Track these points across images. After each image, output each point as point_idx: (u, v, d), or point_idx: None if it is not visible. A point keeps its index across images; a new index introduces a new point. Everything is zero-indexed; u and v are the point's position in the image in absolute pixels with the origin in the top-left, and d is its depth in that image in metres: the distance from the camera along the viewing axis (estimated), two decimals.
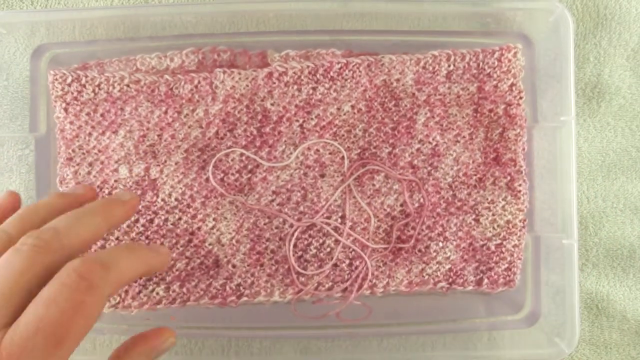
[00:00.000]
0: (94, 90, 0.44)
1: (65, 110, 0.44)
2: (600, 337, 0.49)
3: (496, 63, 0.45)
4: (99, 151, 0.45)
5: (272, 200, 0.45)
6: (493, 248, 0.45)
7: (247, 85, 0.45)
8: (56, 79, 0.44)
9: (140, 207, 0.44)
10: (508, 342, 0.45)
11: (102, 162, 0.45)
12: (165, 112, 0.45)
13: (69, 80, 0.44)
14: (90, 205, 0.35)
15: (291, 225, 0.45)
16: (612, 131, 0.49)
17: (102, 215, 0.34)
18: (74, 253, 0.31)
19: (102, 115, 0.44)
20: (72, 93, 0.44)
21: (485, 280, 0.45)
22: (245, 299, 0.45)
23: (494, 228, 0.45)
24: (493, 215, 0.45)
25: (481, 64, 0.45)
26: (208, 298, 0.45)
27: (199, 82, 0.44)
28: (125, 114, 0.44)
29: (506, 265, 0.45)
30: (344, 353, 0.45)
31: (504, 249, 0.45)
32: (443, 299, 0.46)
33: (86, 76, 0.44)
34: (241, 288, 0.45)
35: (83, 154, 0.45)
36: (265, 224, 0.45)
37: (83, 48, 0.46)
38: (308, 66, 0.45)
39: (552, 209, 0.44)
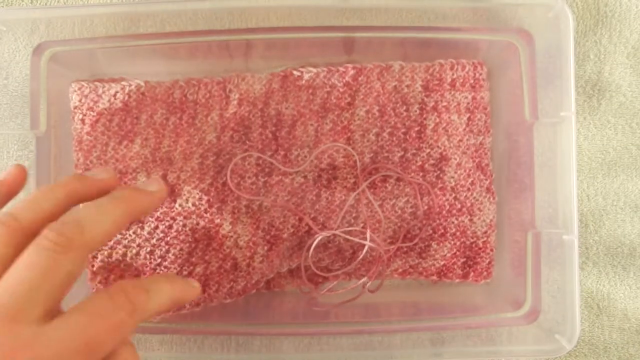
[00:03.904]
0: (109, 100, 0.44)
1: (82, 121, 0.44)
2: (600, 337, 0.49)
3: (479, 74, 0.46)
4: (117, 160, 0.44)
5: (287, 202, 0.45)
6: (481, 245, 0.47)
7: (262, 89, 0.44)
8: (74, 91, 0.44)
9: (158, 213, 0.44)
10: (508, 338, 0.45)
11: (120, 172, 0.44)
12: (180, 118, 0.44)
13: (86, 91, 0.44)
14: (115, 195, 0.32)
15: (307, 225, 0.45)
16: (613, 129, 0.49)
17: (126, 207, 0.31)
18: (94, 248, 0.30)
19: (118, 124, 0.44)
20: (89, 103, 0.44)
21: (471, 274, 0.48)
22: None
23: (482, 227, 0.47)
24: (482, 214, 0.47)
25: (477, 74, 0.46)
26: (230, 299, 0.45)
27: (213, 87, 0.44)
28: (141, 122, 0.44)
29: (488, 260, 0.48)
30: (345, 350, 0.45)
31: (488, 246, 0.48)
32: (443, 296, 0.47)
33: (103, 86, 0.44)
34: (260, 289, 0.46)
35: (101, 164, 0.44)
36: (280, 223, 0.45)
37: (83, 45, 0.45)
38: (323, 70, 0.45)
39: (552, 206, 0.44)
